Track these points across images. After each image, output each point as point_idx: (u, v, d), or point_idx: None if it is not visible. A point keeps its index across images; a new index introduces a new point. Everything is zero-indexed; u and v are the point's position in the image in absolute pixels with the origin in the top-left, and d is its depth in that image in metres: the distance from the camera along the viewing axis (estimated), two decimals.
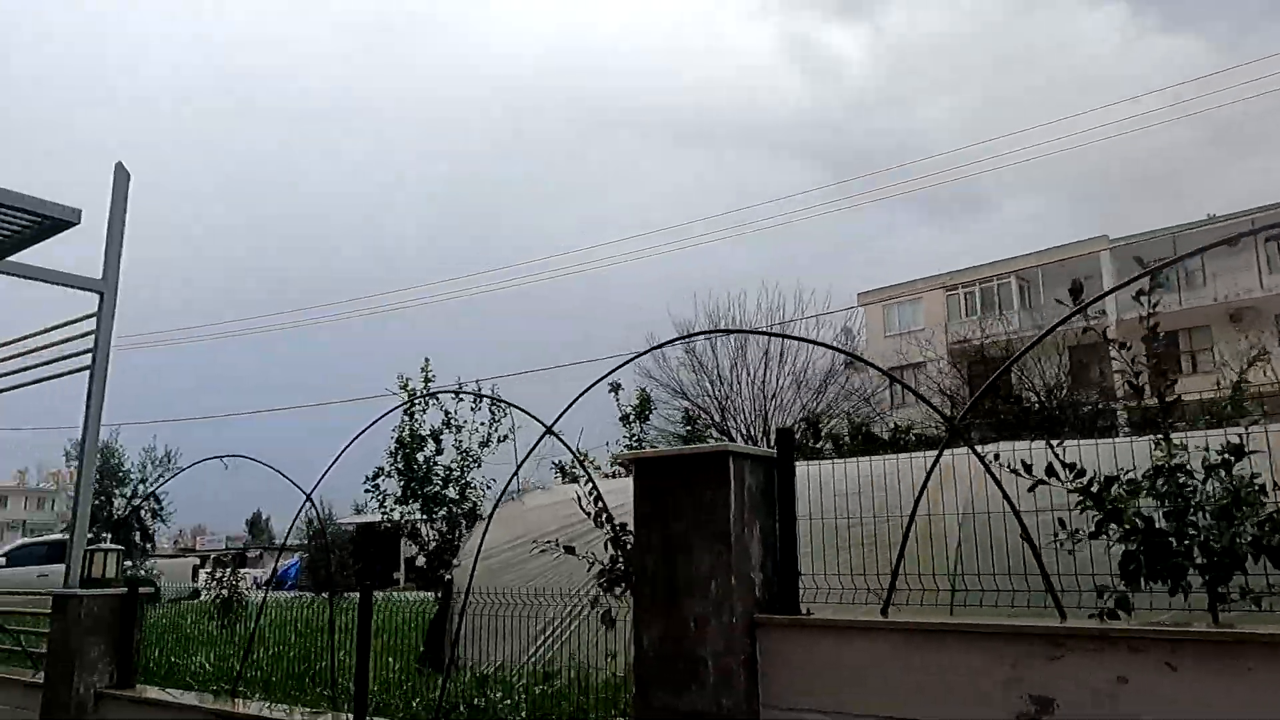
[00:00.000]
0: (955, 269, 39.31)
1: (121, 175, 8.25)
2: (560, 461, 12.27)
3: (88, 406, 7.94)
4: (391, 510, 10.93)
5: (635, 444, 13.13)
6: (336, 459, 8.22)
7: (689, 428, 18.05)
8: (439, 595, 9.31)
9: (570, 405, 5.64)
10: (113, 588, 6.78)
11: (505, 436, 11.26)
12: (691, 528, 3.76)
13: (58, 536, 19.34)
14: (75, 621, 6.53)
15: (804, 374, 33.63)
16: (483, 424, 11.07)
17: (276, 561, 24.13)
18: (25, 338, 8.33)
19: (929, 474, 3.85)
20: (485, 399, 10.97)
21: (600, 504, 7.28)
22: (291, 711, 5.54)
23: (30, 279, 7.89)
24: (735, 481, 3.72)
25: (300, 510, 8.37)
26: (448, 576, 9.26)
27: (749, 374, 32.17)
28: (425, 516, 10.95)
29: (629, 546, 6.67)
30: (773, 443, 4.14)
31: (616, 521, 7.09)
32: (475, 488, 10.91)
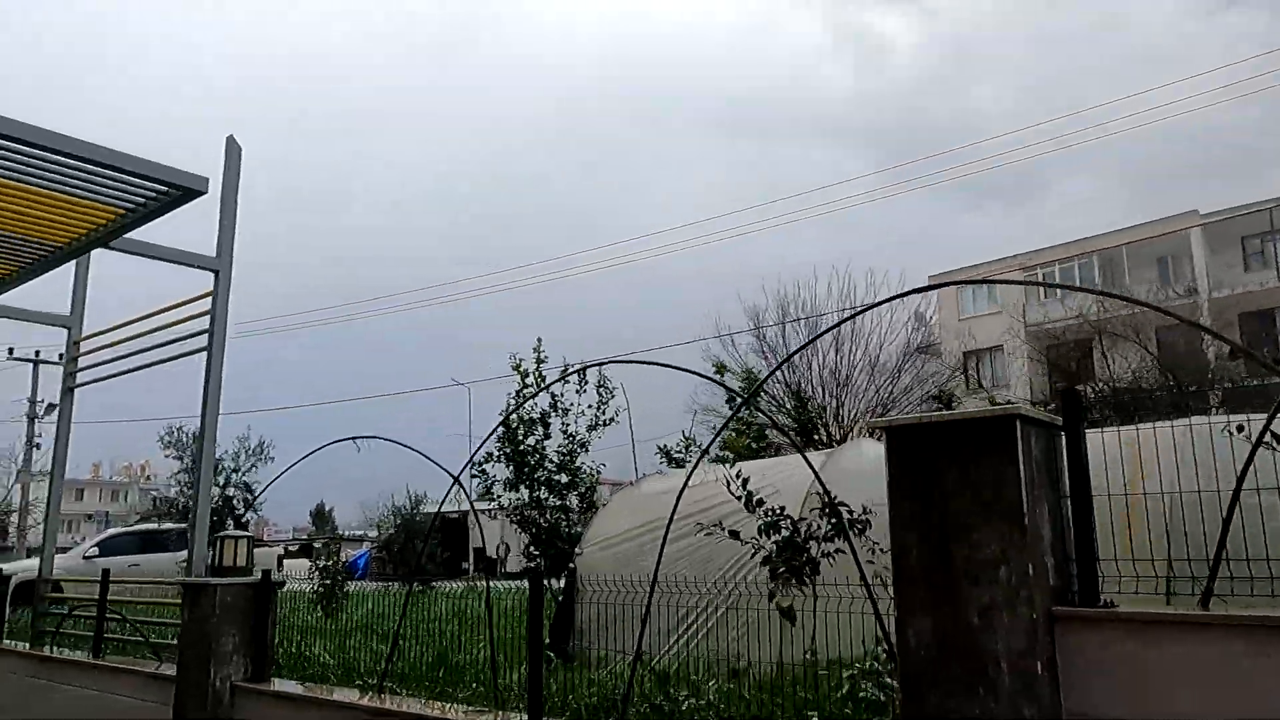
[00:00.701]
0: (1032, 249, 38.00)
1: (234, 150, 7.92)
2: (666, 445, 11.83)
3: (206, 387, 7.63)
4: (500, 496, 10.54)
5: (744, 427, 12.66)
6: (485, 439, 7.80)
7: (797, 406, 17.40)
8: (560, 584, 8.89)
9: (779, 367, 5.13)
10: (244, 576, 6.44)
11: (612, 419, 10.82)
12: (971, 505, 3.21)
13: (148, 527, 19.44)
14: (209, 612, 6.22)
15: (877, 358, 32.70)
16: (589, 407, 10.63)
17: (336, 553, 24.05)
18: (143, 318, 8.07)
19: (1256, 444, 3.24)
20: (580, 374, 10.52)
21: (746, 488, 6.79)
22: (449, 709, 5.12)
23: (148, 257, 7.62)
24: (1024, 451, 3.17)
25: (448, 492, 7.99)
26: (571, 564, 8.82)
27: (820, 358, 31.39)
28: (533, 503, 10.54)
29: (799, 533, 6.17)
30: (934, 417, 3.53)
31: (769, 505, 6.59)
32: (586, 472, 10.48)
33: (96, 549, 18.97)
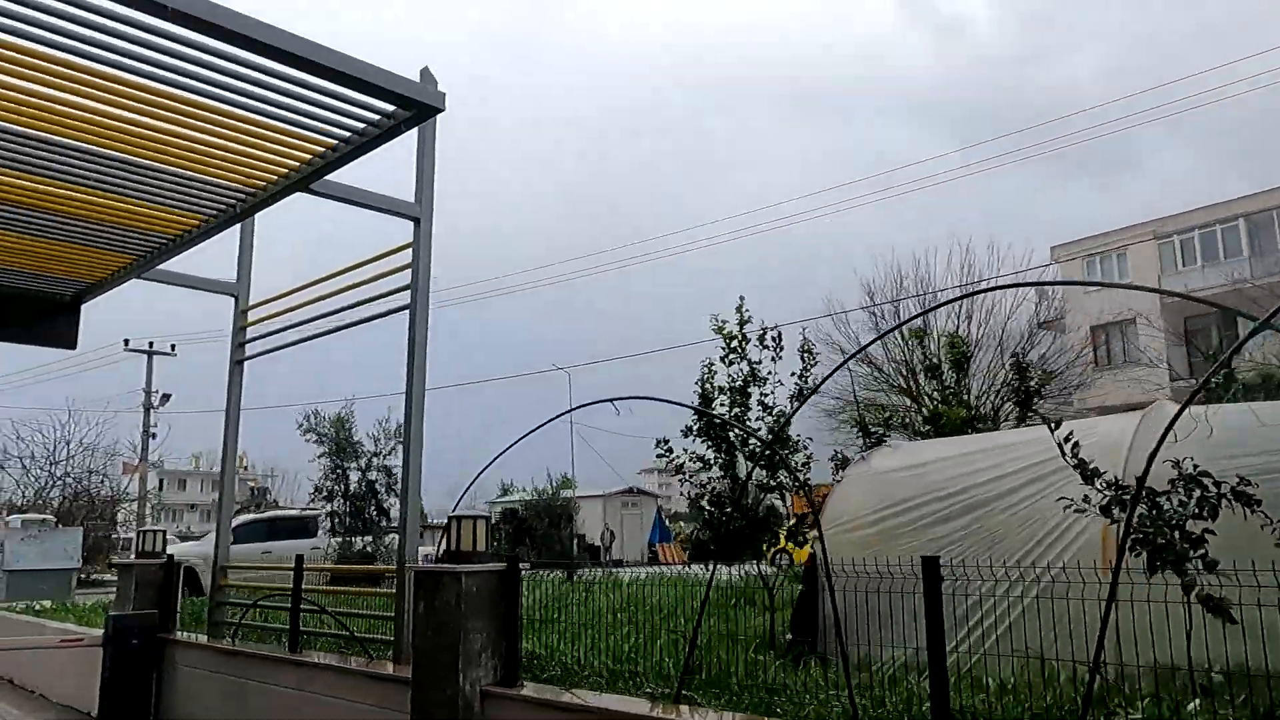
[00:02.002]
0: (1166, 215, 35.48)
1: (430, 81, 7.00)
2: (863, 417, 10.63)
3: (411, 350, 6.76)
4: (696, 473, 9.49)
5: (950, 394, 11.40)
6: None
7: (1017, 374, 16.01)
8: (804, 571, 7.79)
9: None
10: (484, 563, 5.50)
11: (813, 390, 9.67)
12: None
13: (279, 513, 19.06)
14: (453, 605, 5.30)
15: (1003, 333, 30.80)
16: (794, 375, 9.51)
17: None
18: (340, 272, 7.24)
19: None
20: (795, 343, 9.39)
21: (1078, 455, 5.60)
22: None
23: (346, 201, 6.75)
24: None
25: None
26: (810, 550, 7.72)
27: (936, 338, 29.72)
28: (728, 478, 9.47)
29: (1159, 508, 4.99)
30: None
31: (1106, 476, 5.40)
32: (792, 445, 9.37)
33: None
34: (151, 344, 34.79)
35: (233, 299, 9.04)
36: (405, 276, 7.01)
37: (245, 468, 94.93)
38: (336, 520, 14.43)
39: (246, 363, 8.94)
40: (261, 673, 7.21)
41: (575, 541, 41.92)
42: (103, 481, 31.07)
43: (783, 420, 9.28)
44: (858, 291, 30.26)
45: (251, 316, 8.94)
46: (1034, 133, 76.55)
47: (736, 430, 8.62)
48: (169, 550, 21.09)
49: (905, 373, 23.11)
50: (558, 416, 7.00)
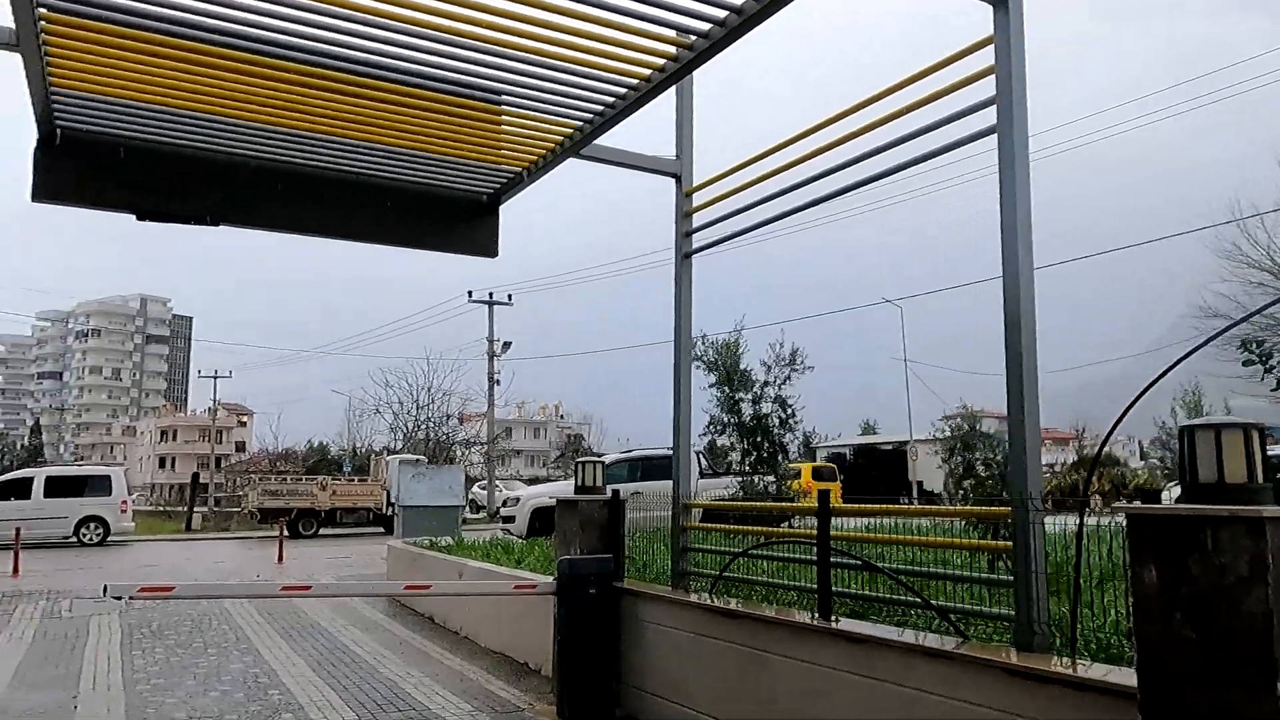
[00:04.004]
0: None
1: None
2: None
3: (1003, 190, 4.56)
4: None
5: None
6: None
7: None
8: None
9: None
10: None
11: None
12: None
13: (650, 451, 18.11)
14: (1245, 573, 3.07)
15: None
16: None
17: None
18: (910, 82, 5.18)
19: None
20: None
21: None
22: None
23: None
24: None
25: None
26: None
27: None
28: None
29: None
30: None
31: None
32: None
33: (692, 467, 18.04)
34: (492, 294, 36.13)
35: (673, 179, 7.39)
36: (969, 94, 4.82)
37: (561, 416, 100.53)
38: (735, 455, 13.04)
39: (695, 257, 7.28)
40: (777, 644, 5.47)
41: (915, 487, 38.92)
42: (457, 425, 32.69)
43: None
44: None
45: (699, 199, 7.24)
46: None
47: None
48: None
49: None
50: None
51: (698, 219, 7.27)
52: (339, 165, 7.16)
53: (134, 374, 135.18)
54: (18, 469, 39.23)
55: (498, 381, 36.40)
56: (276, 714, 7.05)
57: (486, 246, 8.13)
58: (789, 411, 13.03)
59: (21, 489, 24.67)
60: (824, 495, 5.40)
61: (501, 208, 8.05)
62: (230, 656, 9.19)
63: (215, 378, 66.41)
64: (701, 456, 16.09)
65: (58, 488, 24.81)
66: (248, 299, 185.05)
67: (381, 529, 30.06)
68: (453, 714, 7.09)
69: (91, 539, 24.53)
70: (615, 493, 7.69)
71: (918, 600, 4.90)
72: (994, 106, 4.65)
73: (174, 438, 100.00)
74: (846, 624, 5.12)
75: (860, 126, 5.47)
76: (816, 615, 5.29)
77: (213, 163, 6.85)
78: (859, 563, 5.29)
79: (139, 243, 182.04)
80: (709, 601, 6.29)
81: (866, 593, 5.40)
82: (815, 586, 5.32)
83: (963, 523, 7.73)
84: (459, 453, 45.23)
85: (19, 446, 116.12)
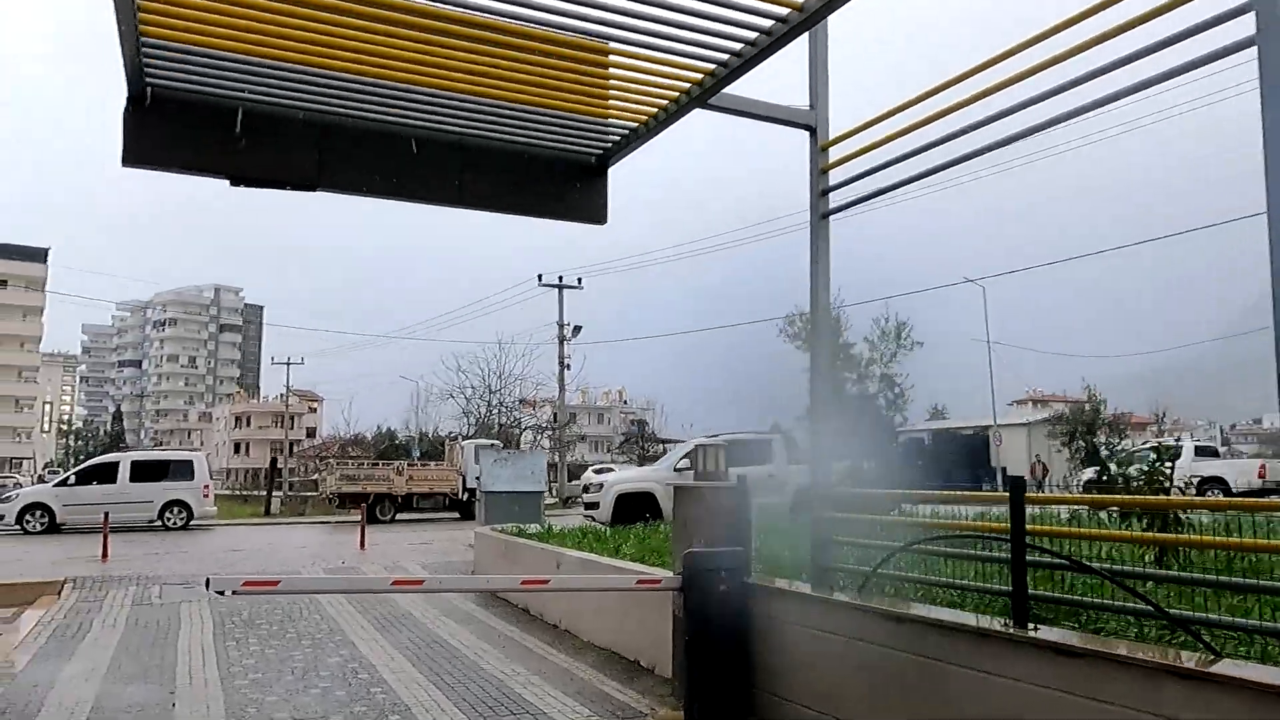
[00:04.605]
0: None
1: None
2: None
3: (1266, 103, 3.75)
4: None
5: None
6: None
7: None
8: None
9: None
10: None
11: None
12: None
13: (730, 436, 17.41)
14: None
15: None
16: None
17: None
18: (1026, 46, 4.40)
19: None
20: None
21: None
22: None
23: None
24: None
25: None
26: None
27: None
28: None
29: None
30: None
31: None
32: None
33: (686, 460, 17.43)
34: (561, 278, 35.69)
35: (807, 133, 6.66)
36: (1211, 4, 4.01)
37: (625, 401, 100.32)
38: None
39: (832, 217, 6.55)
40: (961, 654, 4.76)
41: (1000, 473, 37.48)
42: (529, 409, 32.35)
43: None
44: None
45: (835, 154, 6.51)
46: None
47: None
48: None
49: None
50: None
51: (834, 176, 6.54)
52: (441, 124, 6.62)
53: (209, 362, 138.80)
54: (101, 455, 40.12)
55: (568, 366, 36.03)
56: (384, 716, 6.57)
57: (596, 213, 7.57)
58: (896, 390, 12.19)
59: (107, 474, 25.02)
60: (1017, 482, 4.66)
61: (610, 170, 7.48)
62: (325, 649, 8.79)
63: (288, 364, 67.49)
64: (789, 441, 15.33)
65: (142, 472, 25.10)
66: (319, 283, 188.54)
67: (457, 514, 29.92)
68: (570, 719, 6.54)
69: (175, 523, 24.76)
70: (742, 479, 7.02)
71: (1150, 608, 4.13)
72: (1252, 12, 3.84)
73: (248, 424, 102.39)
74: (1051, 633, 4.38)
75: (1049, 57, 4.69)
76: (1010, 621, 4.56)
77: (309, 123, 6.35)
78: (1067, 562, 4.54)
79: (215, 235, 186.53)
80: (863, 602, 5.59)
81: (1056, 594, 4.65)
82: (1007, 589, 4.59)
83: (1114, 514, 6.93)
84: (531, 437, 45.21)
85: (102, 433, 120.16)
